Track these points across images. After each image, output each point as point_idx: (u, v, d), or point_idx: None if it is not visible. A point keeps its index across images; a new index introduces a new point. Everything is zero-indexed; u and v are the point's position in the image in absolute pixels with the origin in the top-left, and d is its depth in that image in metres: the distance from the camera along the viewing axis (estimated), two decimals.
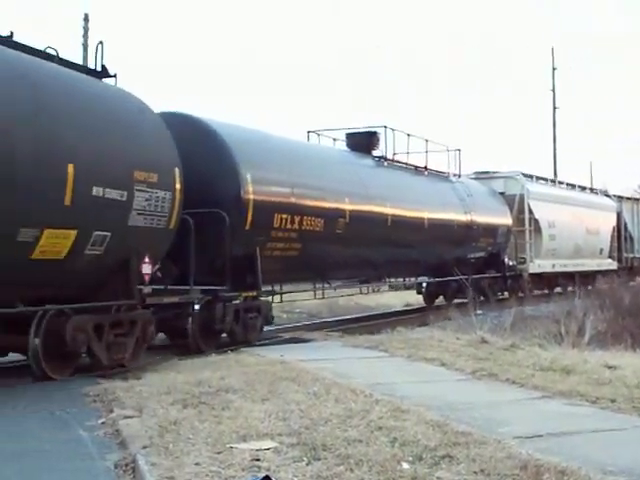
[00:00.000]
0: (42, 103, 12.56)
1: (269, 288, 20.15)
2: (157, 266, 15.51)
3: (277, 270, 19.68)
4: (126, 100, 15.15)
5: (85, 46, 37.96)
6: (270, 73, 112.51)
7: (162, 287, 15.64)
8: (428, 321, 25.64)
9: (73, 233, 12.82)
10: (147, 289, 14.77)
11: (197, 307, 16.74)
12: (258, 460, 7.41)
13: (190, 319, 16.74)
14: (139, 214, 14.16)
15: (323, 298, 26.46)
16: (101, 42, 14.91)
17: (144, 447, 8.02)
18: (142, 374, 13.41)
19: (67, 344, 13.14)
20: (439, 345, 16.81)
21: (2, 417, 10.35)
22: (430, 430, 8.56)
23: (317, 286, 24.60)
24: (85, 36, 38.55)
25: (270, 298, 20.07)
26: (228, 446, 7.94)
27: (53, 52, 14.00)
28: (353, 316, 29.46)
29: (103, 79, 14.99)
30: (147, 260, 14.58)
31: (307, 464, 7.30)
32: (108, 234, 13.48)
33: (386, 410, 9.55)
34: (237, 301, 17.96)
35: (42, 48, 13.87)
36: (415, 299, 34.53)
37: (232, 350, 16.61)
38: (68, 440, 9.00)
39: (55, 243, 12.57)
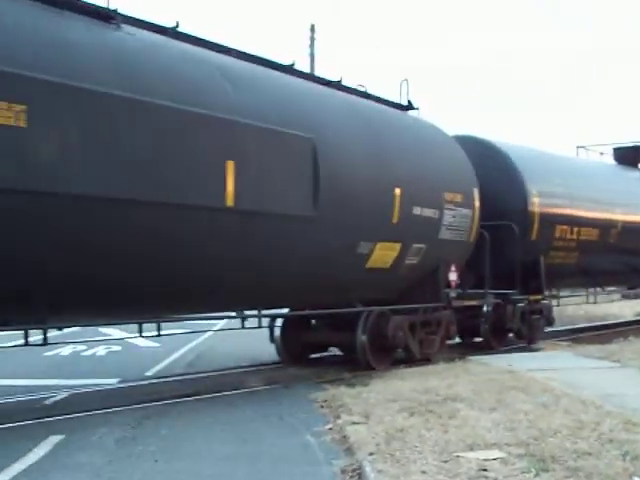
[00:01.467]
0: (379, 139, 15.31)
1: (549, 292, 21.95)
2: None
3: (556, 276, 21.28)
4: (430, 129, 17.75)
5: (312, 56, 38.84)
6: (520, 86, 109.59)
7: (462, 291, 17.73)
8: None
9: (398, 246, 15.40)
10: (453, 293, 17.13)
11: (488, 309, 19.09)
12: (485, 470, 7.31)
13: (483, 320, 19.17)
14: (447, 229, 16.69)
15: (595, 303, 27.06)
16: (406, 80, 17.47)
17: (371, 454, 8.06)
18: (369, 381, 13.50)
19: (389, 340, 15.61)
20: None
21: (233, 421, 10.67)
22: None
23: (588, 291, 25.75)
24: (312, 46, 39.42)
25: (551, 301, 21.85)
26: (455, 455, 7.87)
27: (362, 88, 16.49)
28: (582, 325, 28.68)
29: (408, 111, 17.65)
30: (453, 268, 16.99)
31: (535, 475, 7.14)
32: (423, 246, 16.04)
33: (617, 422, 9.22)
34: (522, 304, 20.01)
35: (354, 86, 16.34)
36: None
37: (460, 359, 16.57)
38: (296, 445, 9.18)
39: (384, 254, 15.15)
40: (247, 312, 13.60)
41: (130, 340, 17.84)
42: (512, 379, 12.86)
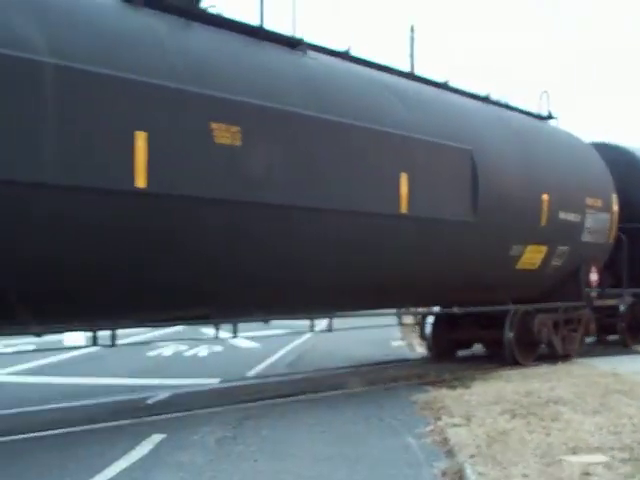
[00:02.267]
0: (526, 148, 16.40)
1: None
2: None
3: None
4: (569, 137, 18.84)
5: (412, 56, 38.88)
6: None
7: (601, 291, 18.54)
8: None
9: (545, 248, 16.51)
10: (593, 292, 18.08)
11: (625, 307, 19.99)
12: (588, 474, 7.17)
13: (620, 318, 20.19)
14: (588, 232, 17.79)
15: None
16: (546, 91, 18.55)
17: (471, 456, 7.98)
18: (470, 383, 13.39)
19: (534, 337, 16.58)
20: None
21: (333, 422, 10.67)
22: None
23: None
24: (412, 46, 39.41)
25: None
26: (557, 458, 7.75)
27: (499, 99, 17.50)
28: None
29: (548, 121, 18.63)
30: (593, 269, 18.00)
31: None
32: (567, 248, 17.16)
33: None
34: None
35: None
36: None
37: (563, 361, 16.37)
38: (396, 446, 9.12)
39: (532, 256, 16.25)
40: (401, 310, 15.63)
41: (231, 341, 18.01)
42: (616, 382, 12.65)
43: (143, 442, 9.28)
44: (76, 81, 8.97)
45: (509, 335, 16.20)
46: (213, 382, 14.65)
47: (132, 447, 9.01)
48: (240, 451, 8.92)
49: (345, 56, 13.70)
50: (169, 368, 16.83)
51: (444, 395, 11.99)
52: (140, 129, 9.47)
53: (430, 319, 18.25)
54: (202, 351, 19.86)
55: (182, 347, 20.38)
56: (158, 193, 9.66)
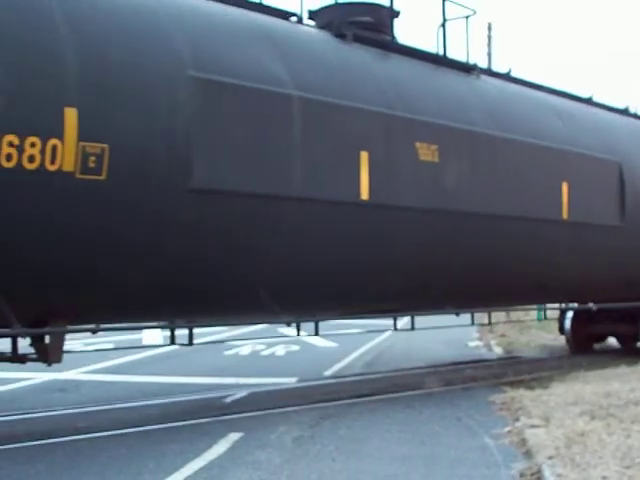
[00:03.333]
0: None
1: None
2: None
3: None
4: None
5: (489, 55, 38.59)
6: None
7: None
8: None
9: None
10: None
11: None
12: None
13: None
14: None
15: None
16: None
17: (550, 457, 7.90)
18: (549, 384, 13.26)
19: None
20: None
21: (410, 422, 10.65)
22: None
23: None
24: (489, 45, 39.08)
25: None
26: (637, 461, 7.62)
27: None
28: None
29: None
30: None
31: None
32: None
33: None
34: None
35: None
36: None
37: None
38: (474, 447, 9.07)
39: None
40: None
41: (307, 340, 18.08)
42: None
43: (221, 441, 9.36)
44: (315, 110, 10.84)
45: None
46: (290, 381, 14.72)
47: (210, 445, 9.09)
48: (317, 450, 8.94)
49: (507, 77, 15.80)
50: (247, 367, 16.93)
51: (522, 396, 11.88)
52: (364, 149, 11.30)
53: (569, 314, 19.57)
54: (279, 350, 19.95)
55: (259, 346, 20.50)
56: (377, 204, 11.43)
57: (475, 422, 10.52)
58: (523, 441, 9.04)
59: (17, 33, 8.10)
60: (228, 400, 12.61)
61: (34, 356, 9.43)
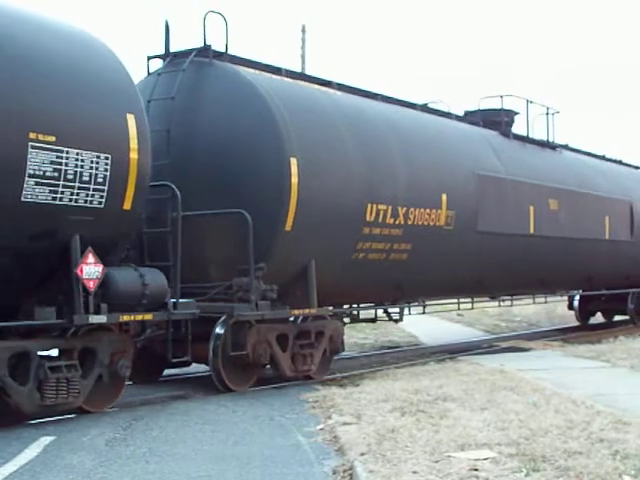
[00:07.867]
0: None
1: None
2: None
3: None
4: None
5: (303, 57, 38.68)
6: None
7: None
8: None
9: None
10: None
11: None
12: (476, 470, 7.30)
13: None
14: None
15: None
16: None
17: (362, 454, 8.06)
18: (360, 381, 13.52)
19: None
20: None
21: (224, 421, 10.66)
22: None
23: None
24: (303, 47, 39.14)
25: None
26: (446, 455, 7.87)
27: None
28: (572, 325, 28.71)
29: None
30: None
31: (526, 475, 7.15)
32: None
33: (607, 422, 9.24)
34: None
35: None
36: None
37: (451, 359, 16.62)
38: (287, 445, 9.17)
39: None
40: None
41: None
42: (503, 379, 12.89)
43: (32, 445, 9.13)
44: (515, 186, 19.54)
45: (630, 306, 26.50)
46: None
47: (20, 450, 8.86)
48: (131, 452, 8.84)
49: (567, 148, 24.17)
50: None
51: (334, 394, 12.07)
52: (531, 204, 20.32)
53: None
54: None
55: None
56: (537, 235, 20.31)
57: (288, 420, 10.62)
58: (336, 438, 9.19)
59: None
60: None
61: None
